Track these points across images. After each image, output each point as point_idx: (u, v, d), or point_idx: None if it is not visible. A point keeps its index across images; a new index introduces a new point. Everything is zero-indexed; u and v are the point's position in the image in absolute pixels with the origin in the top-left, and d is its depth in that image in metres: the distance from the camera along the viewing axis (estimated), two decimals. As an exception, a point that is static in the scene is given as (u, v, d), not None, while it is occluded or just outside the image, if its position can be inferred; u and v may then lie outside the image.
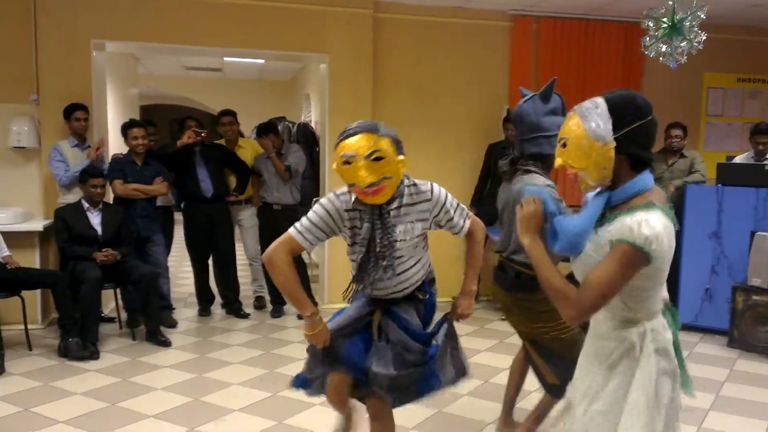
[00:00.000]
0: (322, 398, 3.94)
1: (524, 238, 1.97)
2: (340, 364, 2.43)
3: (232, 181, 5.93)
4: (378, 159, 2.17)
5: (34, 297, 5.22)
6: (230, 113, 6.07)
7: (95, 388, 4.09)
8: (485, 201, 5.94)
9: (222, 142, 6.07)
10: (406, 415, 3.14)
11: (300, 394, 3.96)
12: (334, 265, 6.07)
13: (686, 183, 5.75)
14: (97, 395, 3.98)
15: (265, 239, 5.93)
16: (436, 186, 2.39)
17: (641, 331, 1.84)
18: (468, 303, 2.59)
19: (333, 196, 2.34)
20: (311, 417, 3.69)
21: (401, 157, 2.25)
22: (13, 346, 4.80)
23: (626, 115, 1.82)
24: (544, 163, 2.95)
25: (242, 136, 6.75)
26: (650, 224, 1.72)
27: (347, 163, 2.19)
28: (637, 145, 1.83)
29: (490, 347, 5.03)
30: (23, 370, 4.40)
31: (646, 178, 1.85)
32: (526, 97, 3.04)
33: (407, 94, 6.34)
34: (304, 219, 2.33)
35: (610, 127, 1.82)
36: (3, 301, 4.73)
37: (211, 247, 5.83)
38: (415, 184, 2.36)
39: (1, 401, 3.86)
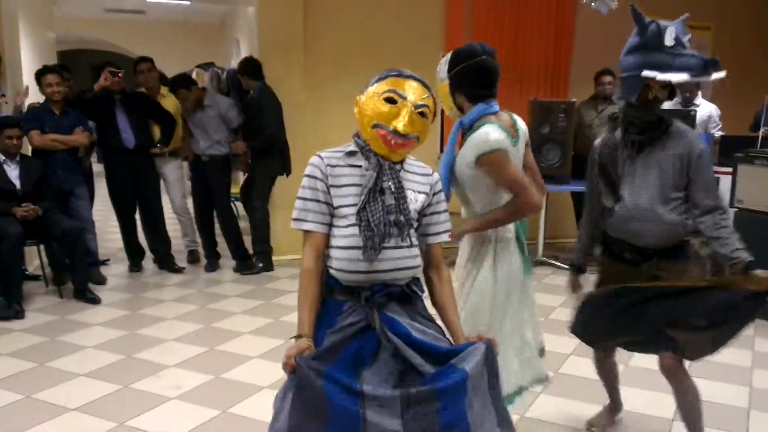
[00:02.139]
0: (262, 351, 3.97)
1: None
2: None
3: (157, 132, 5.68)
4: (422, 114, 1.93)
5: (-51, 255, 4.93)
6: (147, 60, 5.77)
7: (22, 348, 3.94)
8: None
9: (143, 91, 5.79)
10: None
11: (237, 348, 3.99)
12: (272, 216, 5.97)
13: (616, 129, 5.87)
14: (24, 355, 3.84)
15: (197, 194, 5.77)
16: (435, 173, 2.14)
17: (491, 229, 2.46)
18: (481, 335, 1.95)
19: (313, 157, 1.99)
20: (249, 371, 3.66)
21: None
22: (-70, 308, 4.56)
23: (458, 59, 2.43)
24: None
25: (167, 83, 6.46)
26: (493, 132, 2.34)
27: (392, 101, 1.91)
28: (467, 82, 2.42)
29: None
30: (-58, 332, 4.20)
31: (481, 107, 2.41)
32: None
33: (340, 37, 6.17)
34: (297, 201, 1.97)
35: (446, 69, 2.46)
36: None
37: (137, 200, 5.63)
38: (415, 159, 2.10)
39: None
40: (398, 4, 6.30)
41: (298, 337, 1.86)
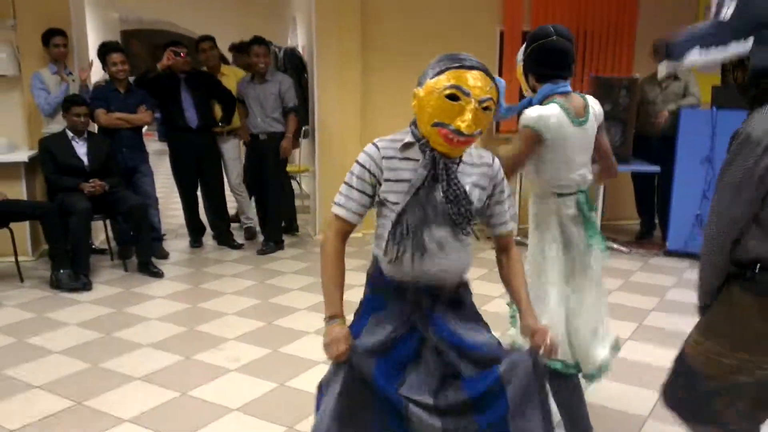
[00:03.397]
0: (317, 327, 4.04)
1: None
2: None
3: (218, 111, 5.77)
4: (486, 109, 1.78)
5: (23, 229, 5.18)
6: (209, 38, 5.86)
7: (89, 319, 4.11)
8: None
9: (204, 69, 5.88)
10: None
11: (294, 324, 4.07)
12: (326, 194, 6.03)
13: (680, 107, 5.67)
14: (91, 326, 4.01)
15: (253, 174, 5.86)
16: (497, 158, 2.00)
17: (552, 202, 2.53)
18: (545, 329, 1.90)
19: (369, 145, 1.90)
20: (305, 346, 3.73)
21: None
22: (5, 278, 4.80)
23: (530, 41, 2.49)
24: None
25: (227, 62, 6.54)
26: (538, 110, 2.42)
27: (454, 98, 1.76)
28: (536, 63, 2.48)
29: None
30: (16, 301, 4.41)
31: (548, 87, 2.48)
32: None
33: (396, 14, 6.13)
34: (341, 186, 1.93)
35: (521, 51, 2.56)
36: (-8, 234, 4.69)
37: (199, 177, 5.75)
38: (476, 147, 1.96)
39: (-5, 333, 3.88)
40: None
41: (331, 317, 1.86)
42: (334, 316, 1.87)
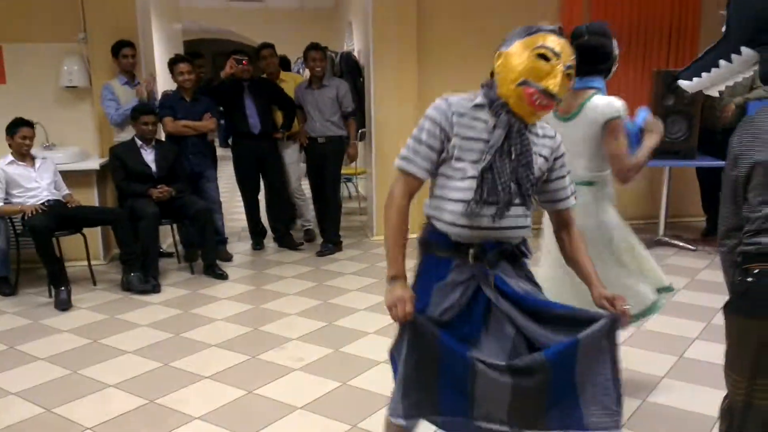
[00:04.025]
0: (377, 327, 4.09)
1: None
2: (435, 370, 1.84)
3: (279, 117, 5.89)
4: (569, 76, 1.83)
5: (95, 234, 5.38)
6: (269, 46, 5.98)
7: (159, 320, 4.26)
8: None
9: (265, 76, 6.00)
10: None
11: (354, 324, 4.12)
12: (383, 196, 6.02)
13: (747, 100, 5.47)
14: (161, 326, 4.15)
15: (313, 177, 5.94)
16: (558, 132, 2.02)
17: None
18: (622, 296, 1.88)
19: (439, 100, 1.89)
20: (366, 345, 3.77)
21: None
22: (78, 282, 5.00)
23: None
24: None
25: (289, 69, 6.64)
26: None
27: (545, 57, 1.78)
28: (580, 59, 2.41)
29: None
30: (89, 304, 4.60)
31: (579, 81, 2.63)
32: None
33: (453, 16, 6.12)
34: (410, 140, 1.91)
35: None
36: (66, 239, 4.90)
37: (262, 182, 5.87)
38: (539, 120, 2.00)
39: (70, 333, 4.05)
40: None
41: (394, 278, 1.86)
42: (396, 276, 1.87)
